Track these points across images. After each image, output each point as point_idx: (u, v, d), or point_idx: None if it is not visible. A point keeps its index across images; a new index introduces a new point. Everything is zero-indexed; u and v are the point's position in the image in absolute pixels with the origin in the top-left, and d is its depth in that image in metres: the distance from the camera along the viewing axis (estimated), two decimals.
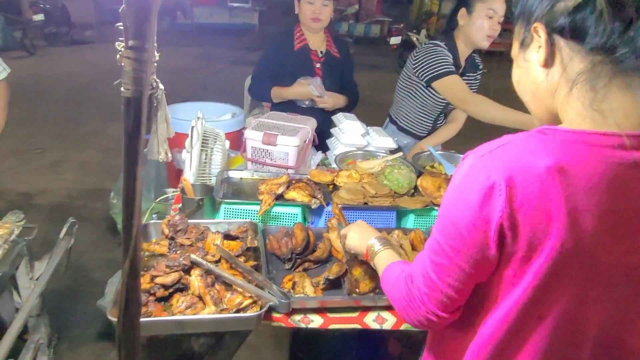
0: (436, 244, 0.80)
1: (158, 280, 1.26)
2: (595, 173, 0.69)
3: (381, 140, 2.25)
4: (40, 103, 5.92)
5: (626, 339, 0.79)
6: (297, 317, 1.28)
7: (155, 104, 0.65)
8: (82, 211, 3.58)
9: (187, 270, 1.32)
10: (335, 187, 1.82)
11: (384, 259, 1.08)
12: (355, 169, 1.96)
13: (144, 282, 1.28)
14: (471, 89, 2.41)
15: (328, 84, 2.51)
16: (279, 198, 1.67)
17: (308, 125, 2.08)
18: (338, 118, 2.34)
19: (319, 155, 2.24)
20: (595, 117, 0.72)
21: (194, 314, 1.20)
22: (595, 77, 0.71)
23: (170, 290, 1.27)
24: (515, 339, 0.79)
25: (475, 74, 2.50)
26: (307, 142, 2.07)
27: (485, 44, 2.26)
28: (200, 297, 1.25)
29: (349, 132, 2.24)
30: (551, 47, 0.75)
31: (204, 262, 1.32)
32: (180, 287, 1.28)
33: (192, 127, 1.78)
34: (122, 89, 0.57)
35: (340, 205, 1.68)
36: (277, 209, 1.66)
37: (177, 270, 1.28)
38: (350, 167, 2.03)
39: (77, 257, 2.53)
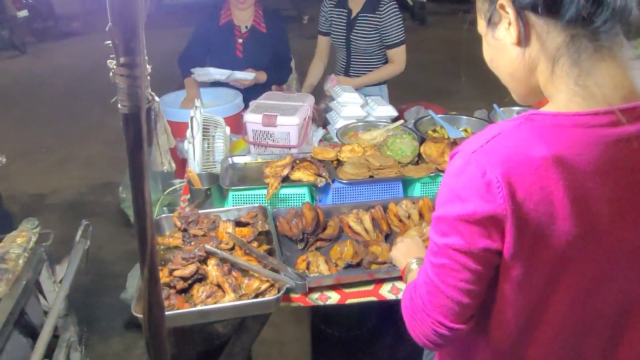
0: (435, 247, 0.75)
1: (176, 273, 1.30)
2: (594, 156, 0.66)
3: (381, 109, 2.24)
4: (39, 101, 5.91)
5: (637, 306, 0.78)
6: (315, 296, 1.32)
7: (153, 117, 0.66)
8: (94, 207, 3.63)
9: (203, 261, 1.36)
10: (340, 163, 1.83)
11: (411, 278, 1.01)
12: (357, 142, 1.96)
13: (163, 276, 1.31)
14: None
15: (250, 59, 2.59)
16: (285, 179, 1.69)
17: (306, 103, 2.08)
18: (336, 91, 2.33)
19: (320, 131, 2.24)
20: (583, 95, 0.68)
21: (215, 303, 1.24)
22: (576, 50, 0.67)
23: (190, 281, 1.31)
24: (528, 330, 0.77)
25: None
26: (307, 119, 2.06)
27: None
28: (219, 286, 1.29)
29: (348, 104, 2.23)
30: (523, 24, 0.69)
31: (219, 252, 1.36)
32: (199, 278, 1.31)
33: (192, 118, 1.78)
34: (119, 105, 0.58)
35: (346, 181, 1.70)
36: (284, 191, 1.68)
37: (193, 262, 1.32)
38: (352, 140, 2.04)
39: (95, 252, 2.60)
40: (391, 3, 2.52)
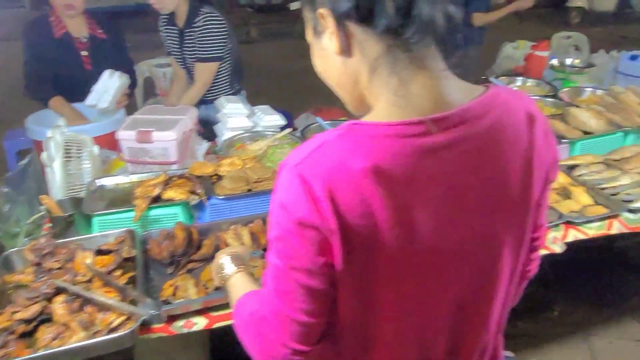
0: (274, 268, 0.73)
1: (17, 316, 1.16)
2: (410, 166, 0.66)
3: (268, 118, 2.20)
4: None
5: (478, 304, 0.79)
6: (180, 323, 1.24)
7: None
8: None
9: (54, 297, 1.23)
10: (220, 177, 1.76)
11: (236, 287, 0.95)
12: (244, 153, 1.91)
13: (3, 320, 1.17)
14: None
15: (101, 71, 2.37)
16: (158, 200, 1.59)
17: (187, 116, 1.99)
18: (221, 103, 2.26)
19: (205, 144, 2.16)
20: (400, 104, 0.69)
21: (62, 345, 1.12)
22: (393, 60, 0.68)
23: (35, 323, 1.17)
24: (369, 342, 0.76)
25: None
26: (188, 132, 1.97)
27: None
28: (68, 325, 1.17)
29: (233, 115, 2.17)
30: (343, 33, 0.69)
31: (70, 286, 1.23)
32: (45, 318, 1.18)
33: (49, 139, 1.62)
34: None
35: (223, 196, 1.63)
36: (156, 212, 1.58)
37: (38, 301, 1.19)
38: (238, 152, 1.98)
39: None
40: (207, 15, 2.33)
